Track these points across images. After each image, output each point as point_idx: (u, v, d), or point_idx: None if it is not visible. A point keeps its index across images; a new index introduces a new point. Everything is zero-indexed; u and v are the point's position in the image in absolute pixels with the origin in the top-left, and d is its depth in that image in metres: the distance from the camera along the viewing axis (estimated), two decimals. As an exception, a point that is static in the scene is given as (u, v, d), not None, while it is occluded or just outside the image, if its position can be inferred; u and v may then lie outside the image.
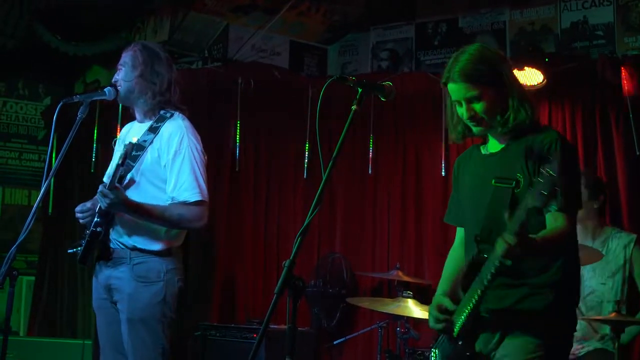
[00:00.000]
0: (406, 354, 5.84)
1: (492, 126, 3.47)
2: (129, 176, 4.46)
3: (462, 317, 3.36)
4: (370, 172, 7.41)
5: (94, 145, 7.77)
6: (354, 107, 3.30)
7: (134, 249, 4.46)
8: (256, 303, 7.40)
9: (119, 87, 4.63)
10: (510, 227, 3.00)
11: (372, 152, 7.42)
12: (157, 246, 4.49)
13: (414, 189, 7.28)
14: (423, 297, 6.61)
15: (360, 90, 3.36)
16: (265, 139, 7.69)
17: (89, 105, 4.50)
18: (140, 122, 4.68)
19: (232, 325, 6.65)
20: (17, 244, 4.21)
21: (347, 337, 6.78)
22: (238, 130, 7.42)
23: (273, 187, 7.69)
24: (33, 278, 8.50)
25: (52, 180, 4.43)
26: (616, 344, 4.78)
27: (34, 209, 4.37)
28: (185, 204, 4.46)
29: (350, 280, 7.34)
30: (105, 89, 4.59)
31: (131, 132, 4.65)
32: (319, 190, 3.12)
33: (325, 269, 7.42)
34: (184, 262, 6.67)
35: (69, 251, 4.65)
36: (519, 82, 3.54)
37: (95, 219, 4.40)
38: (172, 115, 4.64)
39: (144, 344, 4.44)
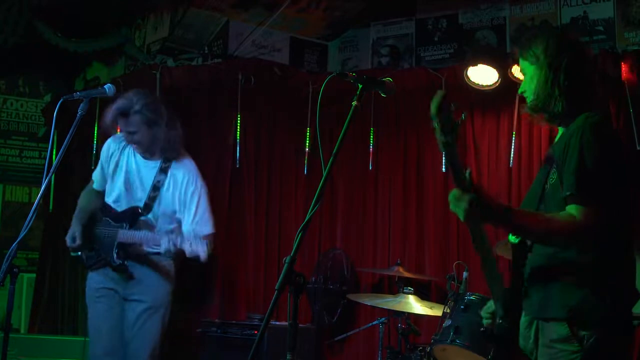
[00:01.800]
0: (407, 350, 5.85)
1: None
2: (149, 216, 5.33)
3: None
4: (370, 168, 7.42)
5: (95, 142, 7.76)
6: (354, 103, 3.31)
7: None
8: (257, 299, 7.40)
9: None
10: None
11: (372, 148, 7.42)
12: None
13: (414, 184, 7.28)
14: (424, 293, 6.63)
15: (360, 86, 3.37)
16: (266, 136, 7.69)
17: (89, 102, 4.51)
18: (145, 158, 5.41)
19: (233, 321, 6.65)
20: (17, 241, 4.21)
21: (348, 333, 6.78)
22: (238, 127, 7.42)
23: (274, 183, 7.69)
24: (34, 275, 8.51)
25: (53, 177, 4.45)
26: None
27: (34, 206, 4.37)
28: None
29: (351, 276, 7.35)
30: (105, 86, 4.60)
31: (139, 163, 5.42)
32: (319, 186, 3.12)
33: (326, 265, 7.42)
34: (185, 259, 6.72)
35: (72, 254, 5.44)
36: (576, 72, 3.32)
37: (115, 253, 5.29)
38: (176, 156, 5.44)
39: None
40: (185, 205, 5.35)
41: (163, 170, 5.38)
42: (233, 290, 7.42)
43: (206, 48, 7.65)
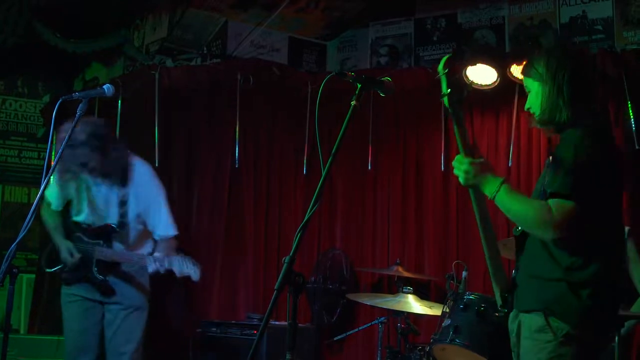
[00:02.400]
0: (406, 350, 5.85)
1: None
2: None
3: None
4: (370, 167, 7.42)
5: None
6: (353, 103, 3.31)
7: None
8: (257, 299, 7.40)
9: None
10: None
11: (371, 147, 7.42)
12: None
13: (414, 184, 7.29)
14: (423, 293, 6.63)
15: (359, 85, 3.37)
16: (265, 136, 7.68)
17: (88, 102, 4.51)
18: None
19: (233, 321, 6.65)
20: (17, 241, 4.20)
21: (348, 333, 6.78)
22: (237, 127, 7.42)
23: (273, 183, 7.68)
24: (33, 276, 8.50)
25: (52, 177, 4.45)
26: (616, 338, 4.79)
27: (33, 207, 4.37)
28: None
29: (350, 276, 7.35)
30: (104, 86, 4.59)
31: (98, 184, 5.44)
32: (318, 186, 3.12)
33: (326, 265, 7.42)
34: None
35: (48, 270, 5.67)
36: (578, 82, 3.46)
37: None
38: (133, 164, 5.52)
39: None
40: (149, 208, 5.51)
41: (123, 183, 5.47)
42: (232, 290, 7.42)
43: (205, 48, 7.65)
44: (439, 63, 3.41)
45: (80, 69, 8.89)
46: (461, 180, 3.44)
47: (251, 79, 7.40)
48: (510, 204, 3.34)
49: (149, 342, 7.19)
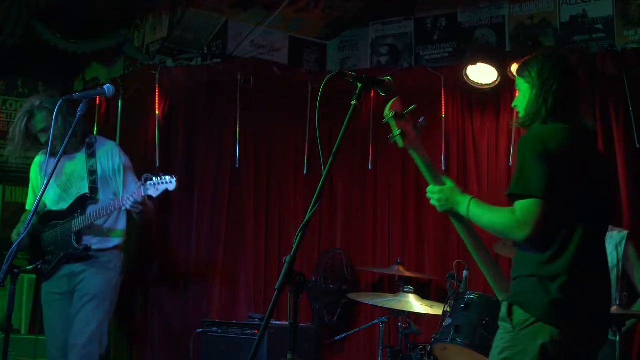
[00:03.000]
0: (407, 349, 5.85)
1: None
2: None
3: None
4: (370, 167, 7.42)
5: (94, 142, 7.76)
6: (353, 102, 3.32)
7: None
8: (257, 299, 7.39)
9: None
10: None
11: (372, 147, 7.42)
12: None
13: (414, 183, 7.27)
14: (424, 292, 6.62)
15: (360, 85, 3.38)
16: (265, 135, 7.68)
17: (88, 102, 4.52)
18: (68, 154, 5.72)
19: (234, 321, 6.65)
20: (18, 242, 4.22)
21: (349, 332, 6.78)
22: (238, 127, 7.41)
23: (273, 183, 7.68)
24: (34, 276, 8.50)
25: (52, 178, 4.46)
26: (618, 336, 4.79)
27: (34, 207, 4.38)
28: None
29: (351, 275, 7.35)
30: (104, 86, 4.61)
31: (65, 164, 5.74)
32: (319, 186, 3.13)
33: (326, 265, 7.42)
34: (186, 260, 6.72)
35: (29, 267, 5.82)
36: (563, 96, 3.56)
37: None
38: (97, 140, 5.84)
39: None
40: (116, 178, 5.74)
41: (90, 156, 5.72)
42: (233, 290, 7.42)
43: (205, 48, 7.65)
44: (387, 107, 3.59)
45: (80, 69, 8.88)
46: (437, 208, 3.67)
47: (251, 78, 7.40)
48: (481, 216, 3.48)
49: (150, 341, 7.23)
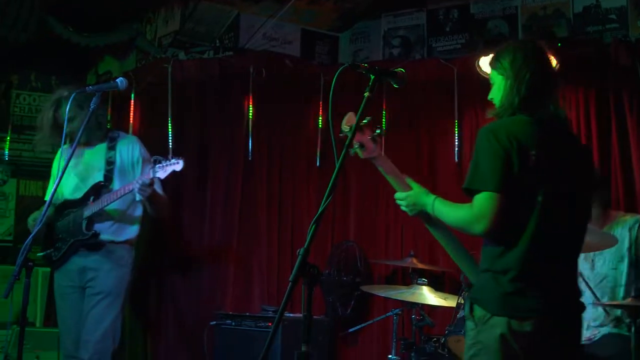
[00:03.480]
0: (421, 341, 5.84)
1: None
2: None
3: None
4: (383, 159, 7.39)
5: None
6: (366, 94, 3.32)
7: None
8: (271, 292, 7.40)
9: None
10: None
11: (384, 139, 7.39)
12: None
13: (427, 175, 7.26)
14: (437, 284, 6.61)
15: (372, 77, 3.38)
16: (278, 128, 7.68)
17: (101, 95, 4.53)
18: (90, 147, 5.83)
19: (247, 314, 6.66)
20: (32, 235, 4.23)
21: (362, 324, 6.78)
22: (250, 120, 7.42)
23: (286, 176, 7.68)
24: (49, 269, 8.52)
25: (66, 171, 4.47)
26: (632, 329, 4.77)
27: (48, 201, 4.40)
28: None
29: (364, 268, 7.34)
30: (117, 80, 4.62)
31: (85, 155, 5.82)
32: (332, 178, 3.12)
33: (339, 257, 7.42)
34: (199, 252, 6.75)
35: (40, 254, 5.82)
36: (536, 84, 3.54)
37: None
38: (119, 135, 5.96)
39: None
40: (134, 170, 5.81)
41: (111, 148, 5.81)
42: (247, 282, 7.43)
43: (217, 41, 7.65)
44: (344, 120, 3.73)
45: (93, 63, 8.90)
46: (408, 213, 3.80)
47: (263, 71, 7.41)
48: (445, 213, 3.59)
49: (164, 334, 7.26)
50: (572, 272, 3.52)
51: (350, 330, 6.87)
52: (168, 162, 5.39)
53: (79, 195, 5.73)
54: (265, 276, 7.45)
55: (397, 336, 6.09)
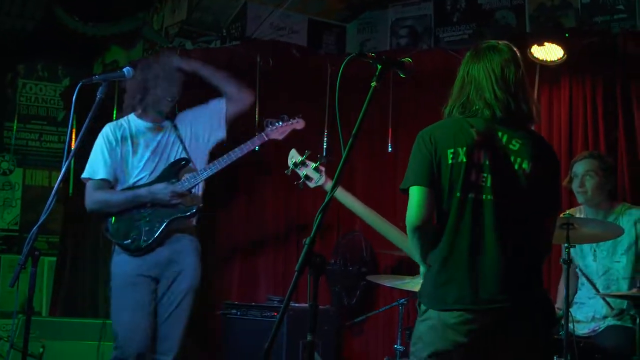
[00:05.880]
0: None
1: None
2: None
3: None
4: (390, 149, 7.39)
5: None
6: (373, 84, 3.31)
7: None
8: (277, 281, 7.41)
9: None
10: None
11: (391, 129, 7.39)
12: None
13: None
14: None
15: (379, 66, 3.37)
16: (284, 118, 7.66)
17: (107, 85, 4.53)
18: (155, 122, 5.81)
19: (253, 303, 6.67)
20: (38, 224, 4.24)
21: (368, 314, 6.80)
22: (257, 109, 7.41)
23: (292, 166, 7.66)
24: (55, 259, 8.56)
25: (72, 160, 4.46)
26: (637, 321, 4.77)
27: (54, 190, 4.40)
28: None
29: (370, 258, 7.34)
30: (124, 69, 4.62)
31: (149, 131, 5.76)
32: (338, 168, 3.12)
33: (345, 247, 7.42)
34: (206, 242, 6.74)
35: (125, 242, 5.61)
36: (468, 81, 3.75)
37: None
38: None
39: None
40: (199, 144, 5.95)
41: (175, 127, 5.86)
42: (252, 272, 7.44)
43: (224, 31, 7.64)
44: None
45: (99, 53, 8.91)
46: None
47: (270, 61, 7.39)
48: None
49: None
50: (511, 265, 3.44)
51: (356, 320, 6.89)
52: (285, 123, 5.74)
53: (156, 174, 5.68)
54: (271, 266, 7.45)
55: (402, 326, 6.09)
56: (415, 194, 3.46)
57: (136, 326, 5.48)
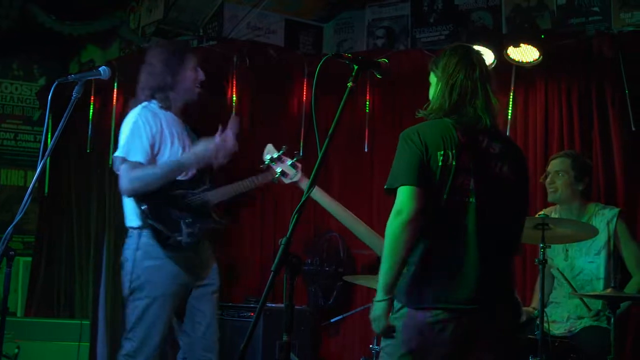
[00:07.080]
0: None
1: None
2: None
3: None
4: (366, 149, 7.41)
5: (89, 125, 7.76)
6: (349, 84, 3.32)
7: None
8: (253, 282, 7.41)
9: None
10: None
11: (367, 129, 7.41)
12: None
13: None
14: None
15: (356, 67, 3.38)
16: (261, 118, 7.67)
17: (83, 84, 4.50)
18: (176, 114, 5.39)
19: (230, 304, 6.66)
20: (13, 224, 4.20)
21: (345, 315, 6.80)
22: (233, 110, 7.40)
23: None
24: (30, 259, 8.52)
25: (48, 160, 4.43)
26: (612, 320, 4.79)
27: (29, 190, 4.37)
28: None
29: (346, 258, 7.35)
30: (100, 68, 4.58)
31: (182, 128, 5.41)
32: (315, 168, 3.13)
33: (322, 247, 7.43)
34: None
35: (179, 237, 5.00)
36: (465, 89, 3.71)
37: None
38: None
39: None
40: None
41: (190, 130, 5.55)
42: (229, 272, 7.42)
43: (201, 30, 7.63)
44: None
45: (75, 52, 8.87)
46: None
47: (247, 61, 7.38)
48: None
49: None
50: (490, 266, 3.48)
51: (332, 320, 6.89)
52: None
53: (186, 176, 5.18)
54: (248, 266, 7.45)
55: (379, 326, 6.10)
56: (405, 193, 3.43)
57: (194, 341, 5.16)
